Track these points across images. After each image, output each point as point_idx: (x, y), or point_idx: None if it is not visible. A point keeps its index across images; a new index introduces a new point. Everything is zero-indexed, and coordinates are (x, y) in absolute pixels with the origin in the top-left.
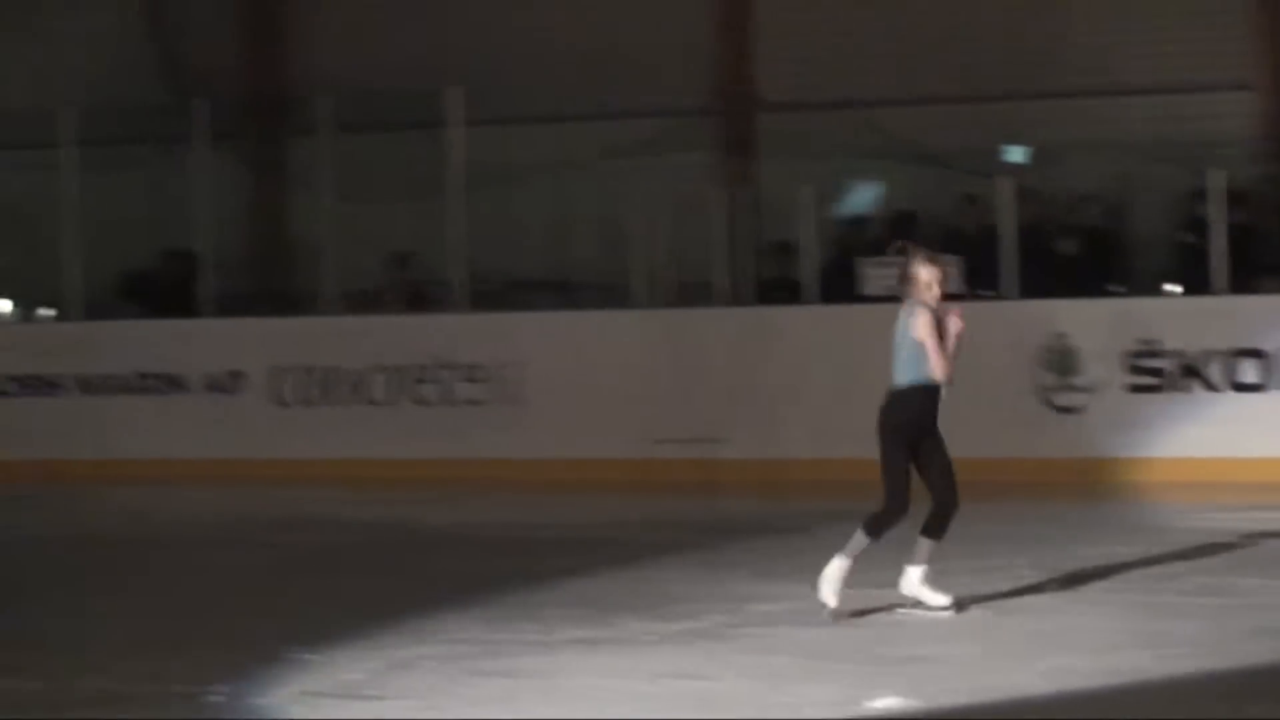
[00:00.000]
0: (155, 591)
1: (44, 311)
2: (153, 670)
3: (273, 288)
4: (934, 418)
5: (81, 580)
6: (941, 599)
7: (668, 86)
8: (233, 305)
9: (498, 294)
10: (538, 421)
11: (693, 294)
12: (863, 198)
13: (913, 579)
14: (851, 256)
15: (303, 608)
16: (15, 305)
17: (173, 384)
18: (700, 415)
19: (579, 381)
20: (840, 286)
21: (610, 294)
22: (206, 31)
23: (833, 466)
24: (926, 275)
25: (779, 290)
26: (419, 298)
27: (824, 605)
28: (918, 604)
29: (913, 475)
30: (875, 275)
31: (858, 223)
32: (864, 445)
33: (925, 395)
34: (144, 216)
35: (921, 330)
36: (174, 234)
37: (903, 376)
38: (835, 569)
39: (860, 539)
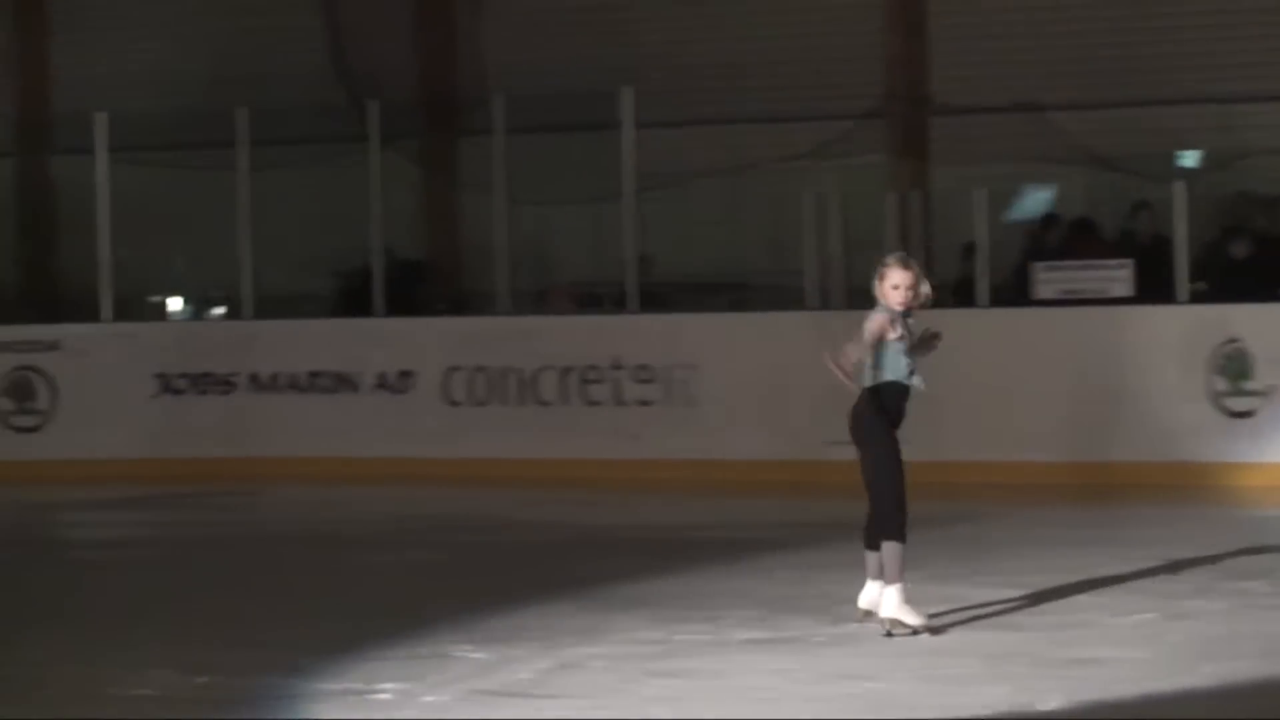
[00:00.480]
0: (325, 591)
1: (215, 310)
2: (327, 665)
3: (445, 288)
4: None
5: (252, 579)
6: (916, 618)
7: (841, 90)
8: (400, 303)
9: (669, 295)
10: (707, 422)
11: (864, 296)
12: (1035, 202)
13: (891, 600)
14: (1024, 260)
15: (472, 607)
16: (187, 303)
17: (344, 383)
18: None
19: (749, 383)
20: (1012, 290)
21: (781, 296)
22: (380, 33)
23: (1000, 469)
24: (894, 279)
25: (952, 293)
26: (591, 299)
27: (915, 628)
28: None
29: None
30: (1047, 279)
31: (1031, 226)
32: (1030, 448)
33: (894, 392)
34: (317, 217)
35: (870, 326)
36: (346, 234)
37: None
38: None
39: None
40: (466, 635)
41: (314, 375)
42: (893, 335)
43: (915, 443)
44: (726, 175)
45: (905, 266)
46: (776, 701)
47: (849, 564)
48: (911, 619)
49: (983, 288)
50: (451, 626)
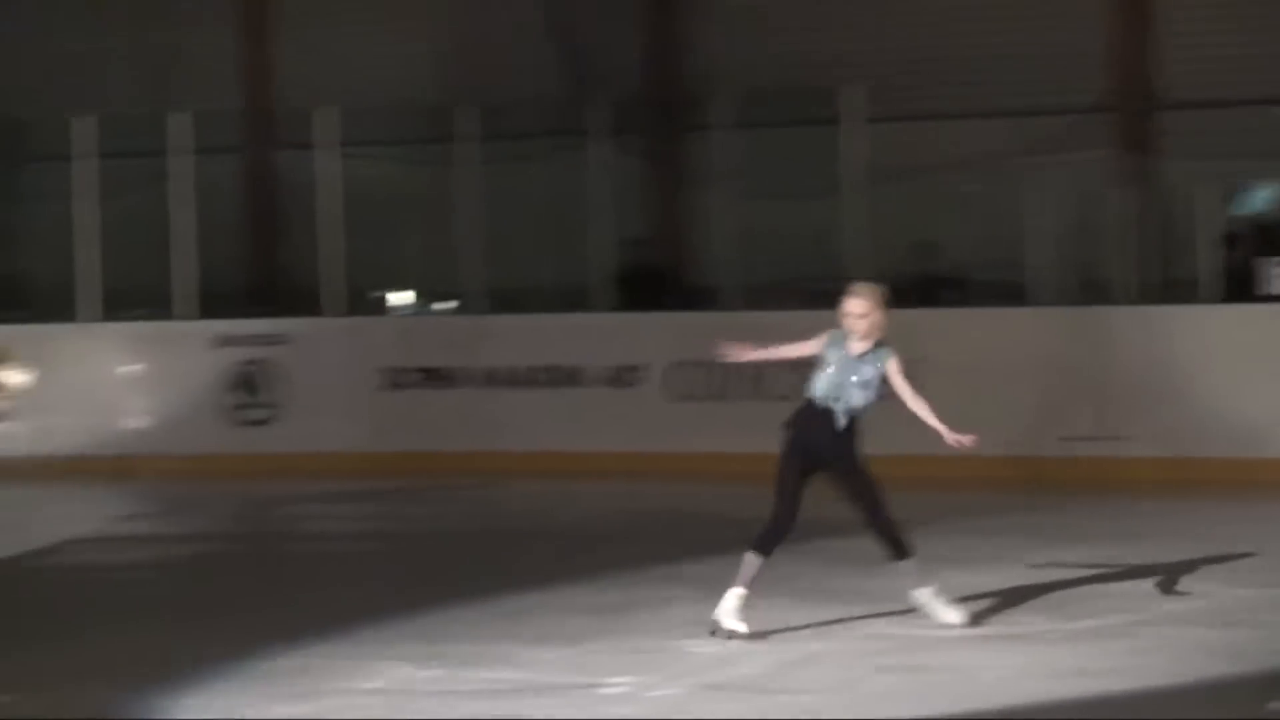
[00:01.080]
0: (551, 585)
1: (443, 304)
2: (556, 661)
3: (670, 282)
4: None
5: (479, 574)
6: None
7: (1067, 84)
8: (629, 299)
9: (895, 289)
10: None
11: (1091, 291)
12: (1264, 197)
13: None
14: (1252, 256)
15: (701, 602)
16: (416, 298)
17: (570, 378)
18: (1100, 412)
19: (976, 377)
20: (1241, 285)
21: (1008, 291)
22: (605, 29)
23: (1234, 467)
24: (845, 307)
25: (1179, 287)
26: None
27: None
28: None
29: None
30: (1277, 274)
31: (1260, 222)
32: (1262, 445)
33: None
34: (543, 210)
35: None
36: (572, 228)
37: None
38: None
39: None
40: (697, 630)
41: (537, 370)
42: (823, 352)
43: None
44: (953, 170)
45: (859, 296)
46: (1013, 697)
47: (1082, 560)
48: (956, 616)
49: (1209, 283)
50: (682, 621)
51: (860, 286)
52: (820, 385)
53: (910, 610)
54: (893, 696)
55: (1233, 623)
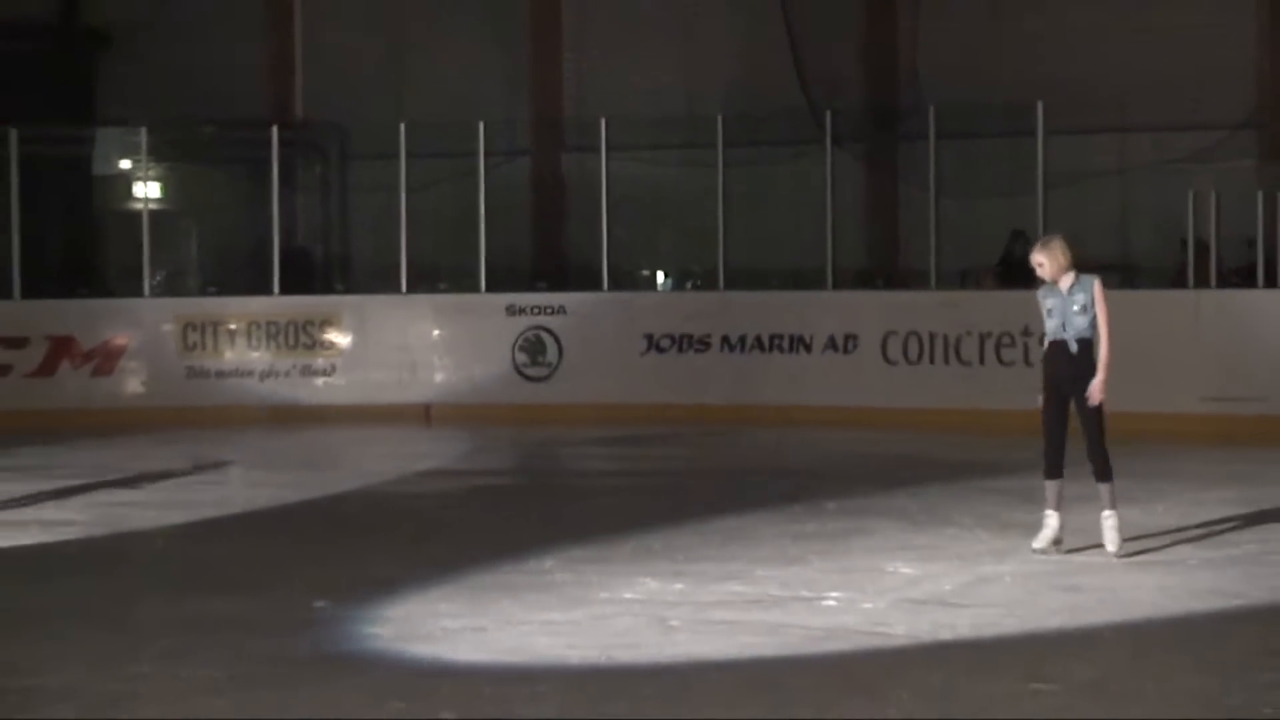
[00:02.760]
0: (776, 513)
1: (693, 282)
2: (782, 577)
3: (885, 267)
4: None
5: (721, 504)
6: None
7: (1217, 101)
8: (851, 280)
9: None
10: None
11: (1235, 278)
12: None
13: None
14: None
15: (904, 529)
16: (668, 277)
17: (799, 344)
18: (1247, 378)
19: (1136, 350)
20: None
21: (1165, 277)
22: (834, 52)
23: None
24: (1034, 258)
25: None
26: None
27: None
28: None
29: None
30: None
31: None
32: None
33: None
34: (780, 207)
35: None
36: (805, 221)
37: None
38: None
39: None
40: (900, 553)
41: (774, 337)
42: (1043, 302)
43: None
44: (1117, 176)
45: (1035, 251)
46: (1157, 610)
47: (1226, 498)
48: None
49: None
50: (886, 546)
51: (1040, 240)
52: (1050, 325)
53: (1080, 540)
54: (1059, 611)
55: None
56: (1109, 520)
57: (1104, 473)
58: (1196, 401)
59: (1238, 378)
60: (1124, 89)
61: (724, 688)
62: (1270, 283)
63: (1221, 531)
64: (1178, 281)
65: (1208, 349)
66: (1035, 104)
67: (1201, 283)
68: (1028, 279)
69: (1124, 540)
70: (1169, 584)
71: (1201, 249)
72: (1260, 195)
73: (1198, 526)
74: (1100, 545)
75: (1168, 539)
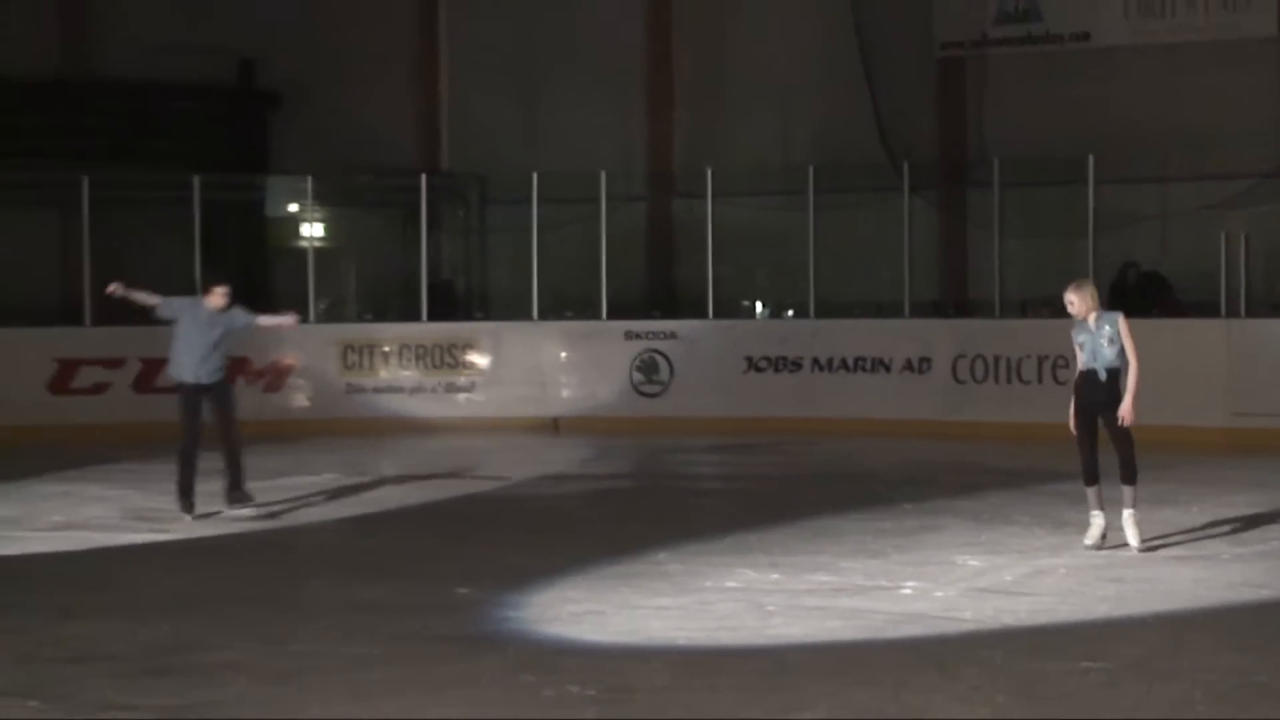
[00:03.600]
0: (851, 513)
1: (788, 311)
2: (863, 569)
3: (955, 298)
4: None
5: (819, 503)
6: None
7: (1250, 150)
8: (925, 309)
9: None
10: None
11: (1264, 308)
12: None
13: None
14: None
15: (969, 526)
16: (766, 307)
17: (879, 365)
18: (1267, 396)
19: (1172, 373)
20: None
21: (1203, 309)
22: (911, 109)
23: None
24: (1066, 297)
25: None
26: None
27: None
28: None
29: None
30: None
31: None
32: None
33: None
34: (864, 246)
35: None
36: (886, 259)
37: None
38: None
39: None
40: (967, 548)
41: (858, 359)
42: (1076, 337)
43: None
44: (1161, 220)
45: (1067, 292)
46: (1194, 600)
47: (1260, 501)
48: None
49: None
50: (954, 541)
51: (1071, 287)
52: (1083, 357)
53: (1117, 536)
54: (1107, 600)
55: None
56: (1130, 518)
57: (1129, 477)
58: (1227, 416)
59: (1262, 395)
60: (1164, 142)
61: (815, 665)
62: None
63: (1251, 529)
64: (1212, 313)
65: (1237, 370)
66: (1087, 157)
67: (1233, 313)
68: (1143, 306)
69: (1146, 537)
70: (1204, 576)
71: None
72: None
73: (1229, 524)
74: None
75: (1202, 535)
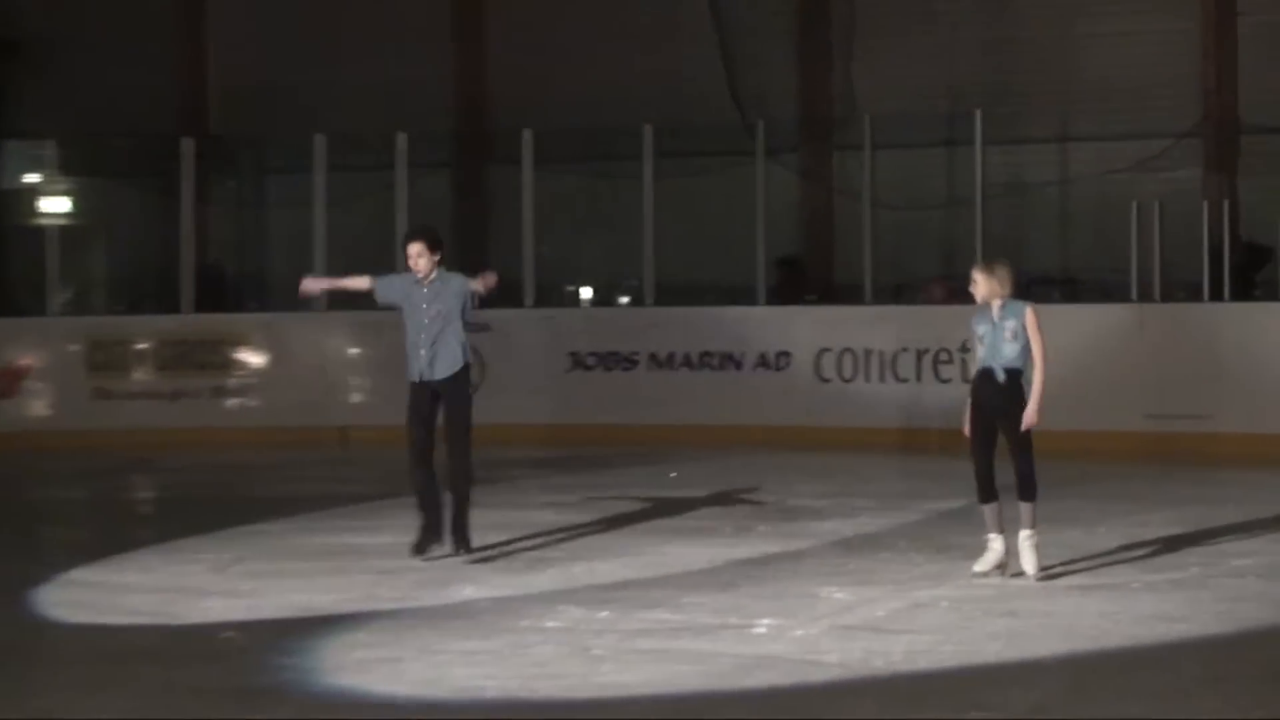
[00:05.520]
0: (715, 537)
1: (621, 298)
2: (711, 604)
3: (819, 281)
4: None
5: (659, 527)
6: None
7: (1161, 111)
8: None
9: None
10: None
11: (1181, 292)
12: None
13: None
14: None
15: (836, 553)
16: (595, 293)
17: (729, 361)
18: (1186, 395)
19: (1080, 365)
20: None
21: (1108, 290)
22: (766, 63)
23: None
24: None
25: (1255, 289)
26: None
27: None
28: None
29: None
30: None
31: None
32: None
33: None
34: (711, 218)
35: None
36: (736, 234)
37: None
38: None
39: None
40: (833, 578)
41: (704, 355)
42: (975, 327)
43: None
44: (1060, 186)
45: (975, 270)
46: (1097, 638)
47: (1170, 520)
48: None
49: None
50: (816, 570)
51: (979, 264)
52: (981, 352)
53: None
54: (997, 638)
55: None
56: (1027, 541)
57: (1027, 492)
58: (1140, 419)
59: (1181, 394)
60: (1065, 98)
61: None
62: (1216, 295)
63: (1166, 553)
64: (1121, 295)
65: (1151, 365)
66: (973, 114)
67: (1145, 296)
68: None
69: (1045, 564)
70: (1111, 609)
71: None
72: (1205, 206)
73: (1141, 547)
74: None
75: (1110, 561)
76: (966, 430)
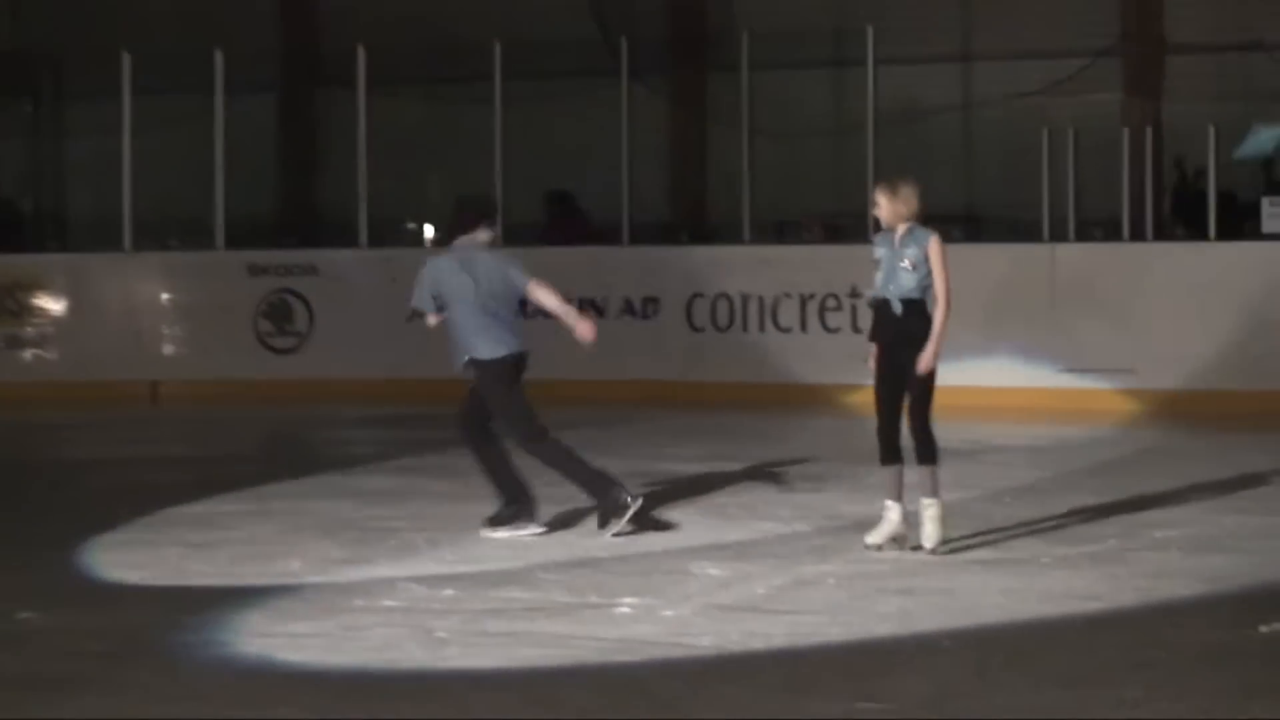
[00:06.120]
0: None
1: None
2: (571, 581)
3: (691, 219)
4: None
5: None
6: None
7: (1077, 28)
8: (650, 234)
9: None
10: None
11: (1098, 229)
12: (1266, 139)
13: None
14: (1254, 196)
15: (710, 525)
16: (438, 231)
17: (588, 308)
18: (1105, 347)
19: (984, 311)
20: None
21: (1017, 228)
22: None
23: (1230, 399)
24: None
25: (1181, 226)
26: (835, 230)
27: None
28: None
29: None
30: (1273, 213)
31: (1260, 163)
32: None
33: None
34: (568, 148)
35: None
36: (597, 165)
37: None
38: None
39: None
40: (707, 552)
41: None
42: (875, 252)
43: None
44: (962, 111)
45: (884, 187)
46: (999, 618)
47: (1083, 489)
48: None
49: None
50: (690, 542)
51: (883, 183)
52: (877, 280)
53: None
54: (890, 618)
55: (1215, 549)
56: (929, 510)
57: (926, 454)
58: (1053, 374)
59: (1098, 345)
60: (967, 11)
61: (500, 708)
62: (1137, 234)
63: (1079, 524)
64: (1031, 233)
65: (1065, 312)
66: (865, 28)
67: (1058, 235)
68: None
69: (948, 536)
70: (1018, 586)
71: None
72: (1125, 133)
73: (1051, 519)
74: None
75: (1018, 533)
76: (871, 364)
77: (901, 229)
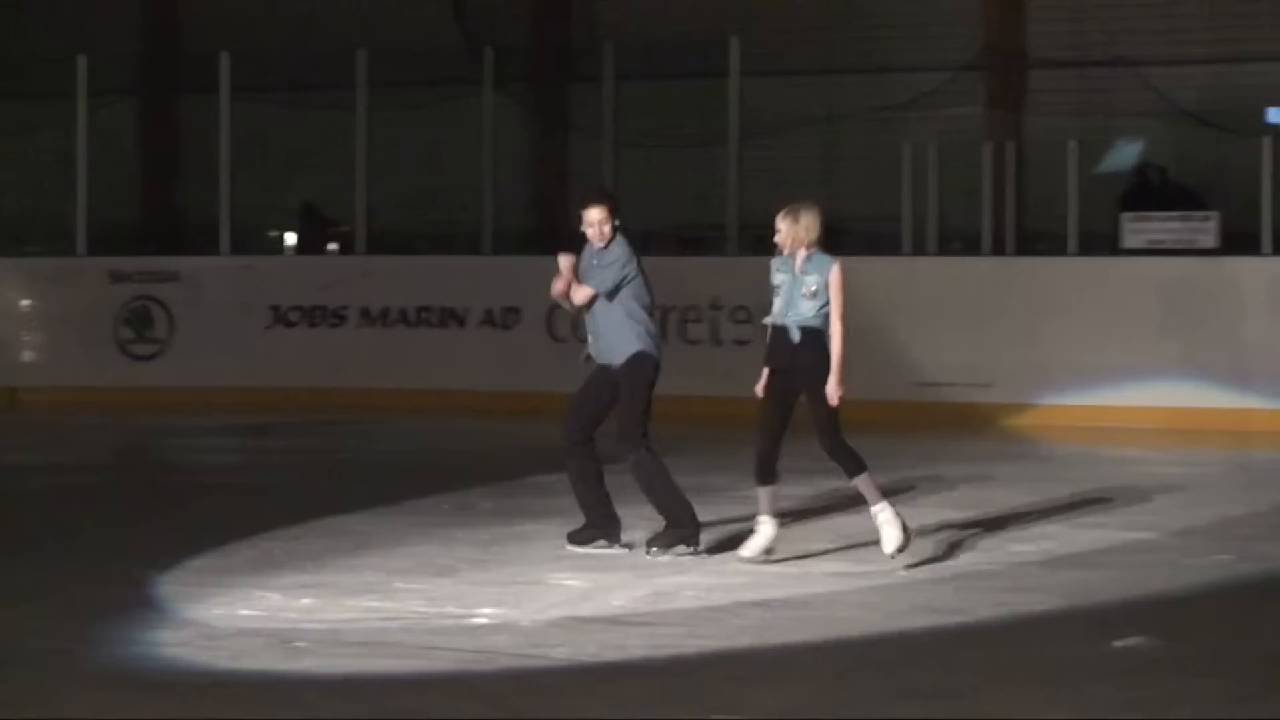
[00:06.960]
0: (416, 518)
1: (330, 246)
2: (428, 591)
3: (553, 228)
4: None
5: (372, 505)
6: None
7: (939, 42)
8: (512, 243)
9: (766, 238)
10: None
11: (958, 243)
12: (1125, 154)
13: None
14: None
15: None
16: (298, 239)
17: (450, 318)
18: (964, 360)
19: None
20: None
21: (877, 241)
22: None
23: (1089, 414)
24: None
25: (1041, 241)
26: (695, 242)
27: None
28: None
29: None
30: (1134, 229)
31: (1120, 178)
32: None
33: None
34: (431, 157)
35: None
36: (460, 174)
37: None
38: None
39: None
40: (565, 563)
41: (421, 310)
42: (774, 277)
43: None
44: (825, 124)
45: (786, 213)
46: (861, 634)
47: (941, 503)
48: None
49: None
50: (548, 553)
51: (786, 208)
52: (776, 306)
53: (776, 550)
54: (748, 630)
55: (1077, 564)
56: (880, 516)
57: (852, 467)
58: (910, 387)
59: (952, 360)
60: (831, 25)
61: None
62: (998, 248)
63: (937, 538)
64: (891, 247)
65: (924, 326)
66: (729, 40)
67: (918, 249)
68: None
69: (899, 544)
70: (878, 600)
71: None
72: (988, 147)
73: (913, 532)
74: (804, 555)
75: (875, 546)
76: (760, 390)
77: (802, 254)
